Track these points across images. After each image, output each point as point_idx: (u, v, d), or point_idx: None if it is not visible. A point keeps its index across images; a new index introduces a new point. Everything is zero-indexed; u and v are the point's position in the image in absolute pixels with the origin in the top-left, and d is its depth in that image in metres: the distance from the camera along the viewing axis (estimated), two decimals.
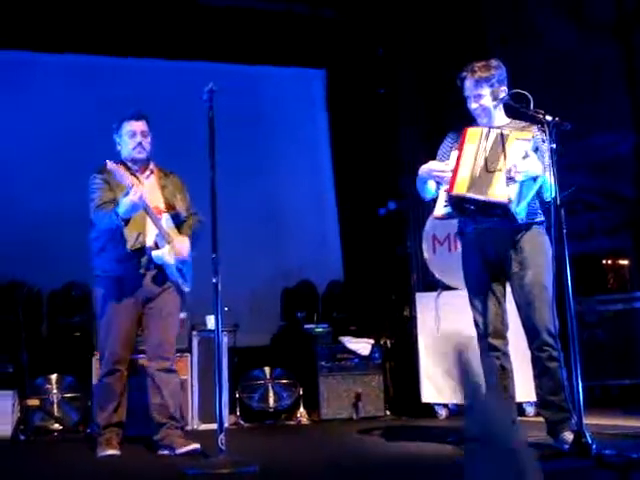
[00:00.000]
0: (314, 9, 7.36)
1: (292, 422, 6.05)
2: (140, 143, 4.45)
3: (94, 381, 5.57)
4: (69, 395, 5.70)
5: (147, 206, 4.22)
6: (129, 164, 4.47)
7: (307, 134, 8.09)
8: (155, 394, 4.36)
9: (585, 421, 3.36)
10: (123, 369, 4.39)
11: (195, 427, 5.64)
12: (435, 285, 6.00)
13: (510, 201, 3.67)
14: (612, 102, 6.55)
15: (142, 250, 4.31)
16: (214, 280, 3.82)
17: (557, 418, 3.78)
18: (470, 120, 4.08)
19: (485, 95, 3.93)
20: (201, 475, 3.43)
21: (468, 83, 3.98)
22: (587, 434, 3.26)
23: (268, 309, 7.31)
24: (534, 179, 3.75)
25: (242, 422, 5.91)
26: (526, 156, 3.71)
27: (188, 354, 5.73)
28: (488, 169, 3.73)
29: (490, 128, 3.85)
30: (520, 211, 3.74)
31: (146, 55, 7.37)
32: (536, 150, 3.78)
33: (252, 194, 7.36)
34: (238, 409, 5.97)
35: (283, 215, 7.61)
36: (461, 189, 3.76)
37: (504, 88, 3.95)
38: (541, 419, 4.00)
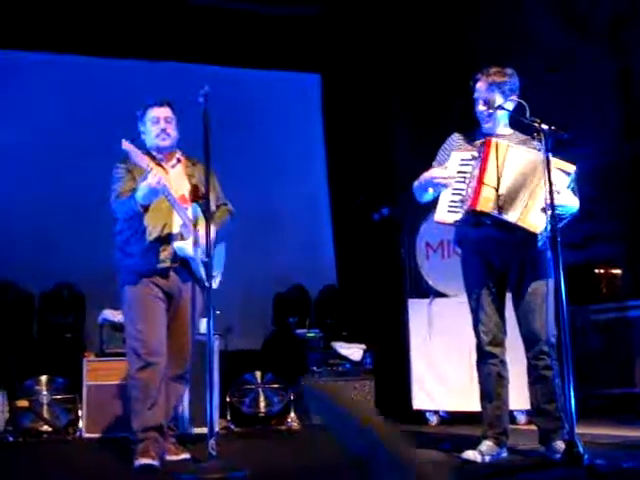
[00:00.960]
0: (309, 12, 7.36)
1: (283, 427, 6.02)
2: (164, 130, 4.21)
3: (85, 383, 5.57)
4: (59, 397, 5.64)
5: (169, 193, 3.99)
6: (154, 153, 4.25)
7: (301, 139, 8.09)
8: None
9: (577, 430, 3.35)
10: (159, 362, 4.02)
11: (185, 430, 5.61)
12: (427, 291, 6.00)
13: (540, 232, 3.68)
14: (604, 110, 6.56)
15: (167, 241, 4.07)
16: (207, 284, 3.80)
17: (550, 427, 3.78)
18: (470, 123, 4.07)
19: (494, 100, 3.92)
20: None
21: (480, 85, 3.96)
22: (579, 444, 3.25)
23: (260, 313, 7.30)
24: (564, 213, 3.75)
25: (232, 426, 5.89)
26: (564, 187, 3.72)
27: None
28: (521, 191, 3.70)
29: (517, 146, 3.82)
30: (542, 238, 3.75)
31: (141, 57, 7.37)
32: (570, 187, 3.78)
33: (246, 198, 7.30)
34: (229, 413, 5.95)
35: (276, 219, 7.59)
36: (485, 207, 3.70)
37: (514, 98, 3.92)
38: (532, 427, 4.00)
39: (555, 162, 3.70)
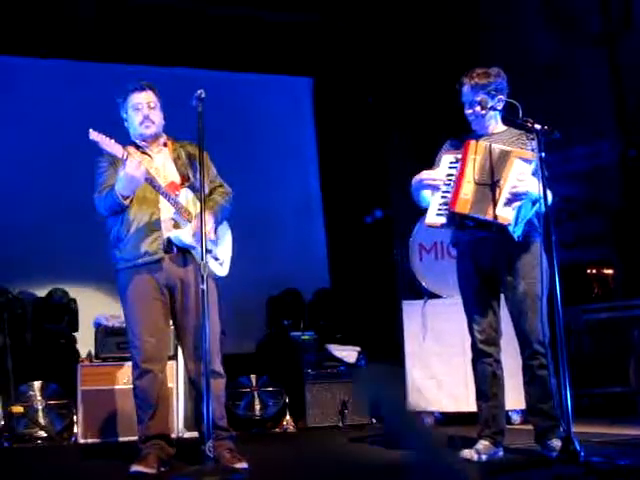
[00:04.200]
0: (302, 16, 7.37)
1: (278, 430, 6.03)
2: (147, 116, 3.97)
3: (79, 388, 5.56)
4: (53, 402, 5.63)
5: (152, 179, 3.80)
6: (138, 142, 4.04)
7: (294, 142, 8.11)
8: (197, 401, 3.85)
9: (573, 429, 3.37)
10: (155, 370, 3.86)
11: (180, 435, 5.61)
12: (421, 293, 6.01)
13: (509, 224, 3.69)
14: (596, 111, 6.61)
15: (156, 231, 3.86)
16: (202, 286, 3.59)
17: (545, 425, 3.80)
18: (464, 127, 4.10)
19: (486, 101, 3.93)
20: None
21: (465, 89, 3.99)
22: (575, 441, 3.27)
23: (254, 316, 7.29)
24: (532, 200, 3.76)
25: None
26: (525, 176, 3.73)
27: (174, 361, 5.68)
28: (491, 187, 3.74)
29: (491, 143, 3.85)
30: (517, 230, 3.76)
31: (133, 61, 7.36)
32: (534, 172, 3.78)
33: (238, 201, 7.32)
34: None
35: (269, 222, 7.60)
36: (464, 208, 3.75)
37: (502, 97, 3.95)
38: (528, 427, 4.02)
39: (516, 152, 3.76)
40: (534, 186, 3.72)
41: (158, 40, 7.13)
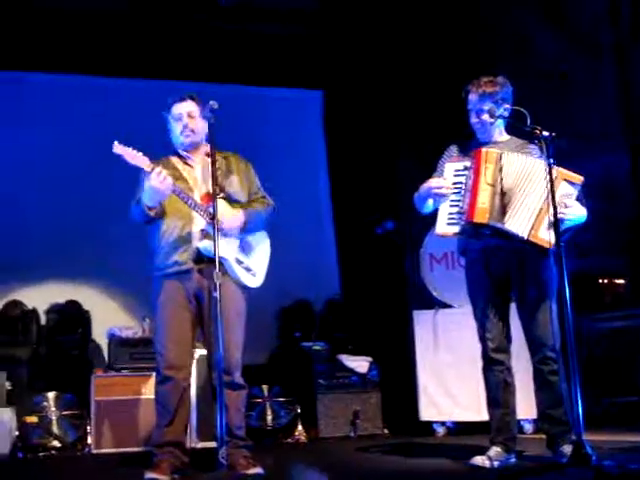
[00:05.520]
0: (310, 30, 7.43)
1: (290, 440, 6.03)
2: (186, 126, 4.05)
3: (93, 398, 5.60)
4: (67, 413, 5.66)
5: (180, 192, 3.86)
6: (180, 151, 4.13)
7: (305, 154, 8.13)
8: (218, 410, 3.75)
9: (584, 435, 3.37)
10: (178, 377, 3.90)
11: (193, 445, 5.62)
12: (432, 303, 6.03)
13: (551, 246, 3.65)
14: (605, 121, 6.62)
15: (187, 242, 3.92)
16: (215, 294, 3.56)
17: (556, 431, 3.81)
18: (469, 135, 4.13)
19: (486, 110, 3.96)
20: None
21: (472, 97, 4.01)
22: (587, 445, 3.27)
23: (265, 327, 7.29)
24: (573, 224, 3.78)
25: None
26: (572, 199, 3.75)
27: None
28: (522, 200, 3.73)
29: (522, 153, 3.86)
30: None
31: (139, 75, 7.43)
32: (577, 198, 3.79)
33: None
34: None
35: (279, 234, 7.59)
36: (482, 218, 3.72)
37: (507, 106, 3.97)
38: (540, 436, 4.01)
39: (562, 173, 3.73)
40: (580, 211, 3.76)
41: (170, 54, 7.19)
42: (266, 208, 4.25)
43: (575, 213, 3.78)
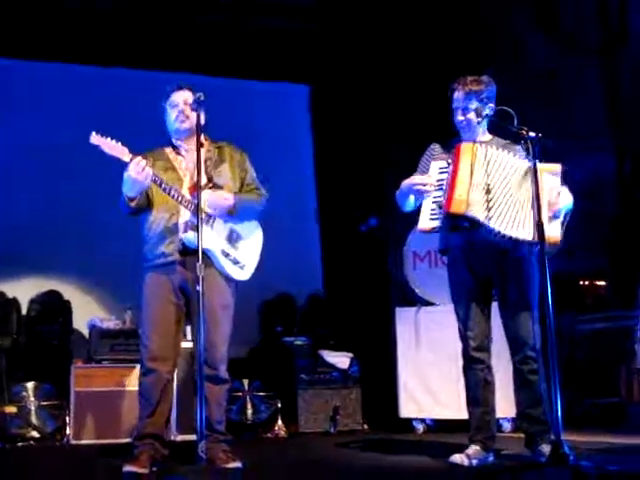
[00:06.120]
0: (299, 24, 7.40)
1: (270, 435, 6.03)
2: (182, 111, 4.02)
3: (72, 389, 5.57)
4: (46, 403, 5.62)
5: (161, 182, 3.83)
6: (174, 141, 4.11)
7: (291, 149, 8.11)
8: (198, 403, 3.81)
9: (562, 437, 3.38)
10: (161, 370, 3.89)
11: (173, 438, 5.60)
12: (415, 300, 6.04)
13: (557, 243, 3.71)
14: (591, 122, 6.65)
15: (173, 234, 3.90)
16: (198, 288, 3.51)
17: (535, 430, 3.83)
18: (454, 134, 4.13)
19: (472, 109, 3.97)
20: None
21: (457, 95, 4.02)
22: (565, 445, 3.28)
23: (246, 321, 7.25)
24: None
25: None
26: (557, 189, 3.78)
27: None
28: (509, 198, 3.76)
29: (488, 147, 3.87)
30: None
31: (130, 66, 7.39)
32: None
33: None
34: None
35: (264, 227, 7.59)
36: (459, 208, 3.73)
37: (492, 105, 3.99)
38: (518, 435, 4.04)
39: (542, 167, 3.74)
40: (567, 196, 3.81)
41: (159, 46, 7.16)
42: (257, 198, 4.21)
43: (566, 199, 3.82)
